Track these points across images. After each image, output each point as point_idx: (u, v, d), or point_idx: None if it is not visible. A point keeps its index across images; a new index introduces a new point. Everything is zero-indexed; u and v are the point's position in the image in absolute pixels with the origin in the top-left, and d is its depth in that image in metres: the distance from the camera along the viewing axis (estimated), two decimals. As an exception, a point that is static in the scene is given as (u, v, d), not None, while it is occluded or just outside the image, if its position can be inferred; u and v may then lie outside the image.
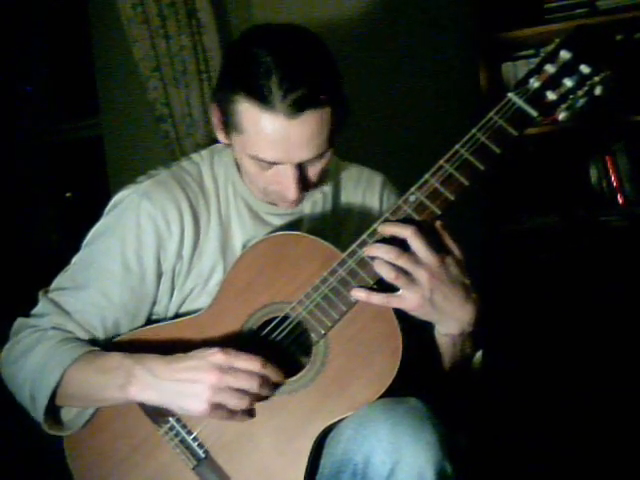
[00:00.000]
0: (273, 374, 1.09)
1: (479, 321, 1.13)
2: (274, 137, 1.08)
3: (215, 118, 1.19)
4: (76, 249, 1.28)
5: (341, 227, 1.33)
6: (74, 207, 3.59)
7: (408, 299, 1.08)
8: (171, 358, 1.11)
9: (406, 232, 1.08)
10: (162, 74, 2.69)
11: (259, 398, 1.10)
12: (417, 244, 1.08)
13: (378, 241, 1.11)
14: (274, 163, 1.12)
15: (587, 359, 2.28)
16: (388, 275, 1.08)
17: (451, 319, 1.12)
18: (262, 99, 1.06)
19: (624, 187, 2.45)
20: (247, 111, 1.09)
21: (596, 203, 2.47)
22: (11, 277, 2.97)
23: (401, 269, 1.07)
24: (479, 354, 1.21)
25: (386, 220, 1.12)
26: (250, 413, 1.11)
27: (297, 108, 1.06)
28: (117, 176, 3.01)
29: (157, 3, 2.64)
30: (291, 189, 1.14)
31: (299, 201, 1.19)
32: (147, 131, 2.91)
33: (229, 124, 1.14)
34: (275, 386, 1.11)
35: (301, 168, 1.14)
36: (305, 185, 1.16)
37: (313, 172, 1.16)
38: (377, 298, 1.10)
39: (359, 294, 1.11)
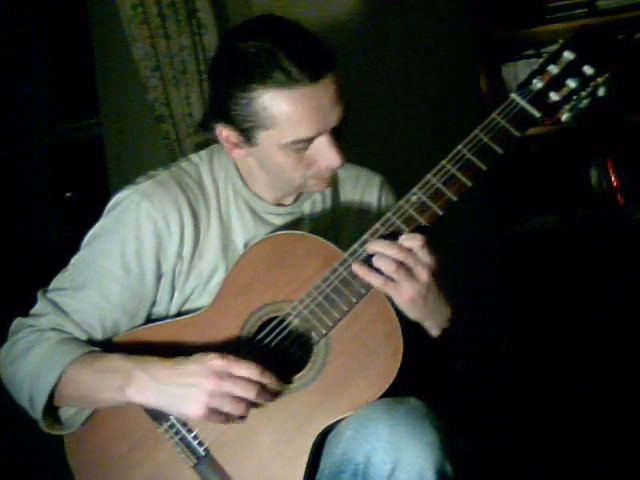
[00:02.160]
0: (271, 382, 1.09)
1: (454, 319, 1.17)
2: (307, 110, 1.09)
3: (225, 137, 1.18)
4: (76, 249, 1.27)
5: (340, 227, 1.33)
6: (74, 207, 3.58)
7: (404, 291, 1.08)
8: (170, 362, 1.11)
9: (414, 242, 1.09)
10: (162, 74, 2.68)
11: (256, 405, 1.10)
12: (419, 242, 1.09)
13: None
14: (313, 138, 1.12)
15: (588, 359, 2.28)
16: (388, 268, 1.08)
17: (437, 317, 1.14)
18: (281, 81, 1.07)
19: (624, 187, 2.45)
20: (271, 100, 1.08)
21: (596, 203, 2.47)
22: (11, 277, 2.97)
23: (401, 264, 1.08)
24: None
25: (388, 219, 1.12)
26: (247, 418, 1.11)
27: (318, 72, 1.07)
28: (117, 176, 3.00)
29: (157, 3, 2.63)
30: (335, 156, 1.14)
31: (343, 164, 1.17)
32: (147, 131, 2.90)
33: (251, 128, 1.12)
34: (273, 394, 1.11)
35: (333, 135, 1.14)
36: (341, 150, 1.16)
37: (339, 139, 1.16)
38: (374, 279, 1.09)
39: (360, 270, 1.10)
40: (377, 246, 1.10)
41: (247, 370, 1.07)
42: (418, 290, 1.08)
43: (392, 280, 1.08)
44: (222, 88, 1.14)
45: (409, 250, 1.08)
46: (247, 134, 1.14)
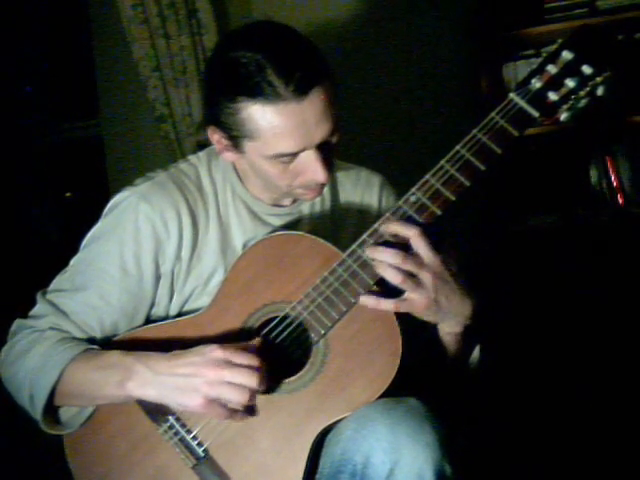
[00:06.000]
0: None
1: (477, 314, 1.15)
2: (291, 126, 1.08)
3: (215, 140, 1.18)
4: (76, 249, 1.27)
5: (340, 227, 1.33)
6: (74, 207, 3.59)
7: (416, 302, 1.09)
8: (170, 355, 1.11)
9: (410, 232, 1.09)
10: (162, 74, 2.69)
11: (255, 396, 1.09)
12: (421, 244, 1.09)
13: (378, 242, 1.11)
14: (297, 153, 1.12)
15: (587, 358, 2.28)
16: (394, 279, 1.08)
17: (454, 317, 1.13)
18: (267, 95, 1.06)
19: (624, 187, 2.46)
20: (257, 113, 1.08)
21: (596, 203, 2.47)
22: (10, 277, 2.97)
23: (406, 272, 1.08)
24: (476, 350, 1.22)
25: (387, 219, 1.12)
26: (248, 413, 1.11)
27: (303, 89, 1.06)
28: (117, 176, 3.00)
29: (157, 3, 2.63)
30: (320, 171, 1.13)
31: (328, 181, 1.17)
32: (147, 131, 2.90)
33: (238, 137, 1.13)
34: (272, 385, 1.11)
35: (320, 149, 1.13)
36: (328, 165, 1.15)
37: (329, 150, 1.15)
38: (386, 304, 1.10)
39: (369, 301, 1.11)
40: (380, 254, 1.10)
41: (247, 358, 1.07)
42: (428, 296, 1.08)
43: (395, 290, 1.09)
44: (212, 93, 1.14)
45: (413, 255, 1.08)
46: (234, 141, 1.14)
